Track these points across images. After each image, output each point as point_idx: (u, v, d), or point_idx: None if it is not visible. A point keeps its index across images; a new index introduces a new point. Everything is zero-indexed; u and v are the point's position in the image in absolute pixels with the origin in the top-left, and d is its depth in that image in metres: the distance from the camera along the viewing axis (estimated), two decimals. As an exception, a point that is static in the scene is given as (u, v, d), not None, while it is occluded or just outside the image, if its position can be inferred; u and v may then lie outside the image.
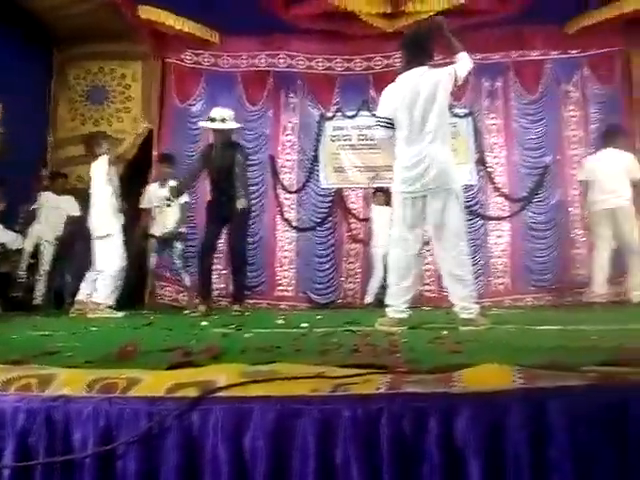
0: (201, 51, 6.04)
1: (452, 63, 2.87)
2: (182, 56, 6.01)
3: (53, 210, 5.38)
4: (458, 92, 2.96)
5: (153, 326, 3.00)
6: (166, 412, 1.04)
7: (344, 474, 1.07)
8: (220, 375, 1.09)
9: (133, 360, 1.37)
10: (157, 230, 5.17)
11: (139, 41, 5.77)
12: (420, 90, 2.72)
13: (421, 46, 2.89)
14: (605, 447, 1.11)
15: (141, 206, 5.34)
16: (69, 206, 5.42)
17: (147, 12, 5.38)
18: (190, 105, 5.95)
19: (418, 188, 2.72)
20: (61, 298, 5.46)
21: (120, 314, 4.31)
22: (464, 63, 2.83)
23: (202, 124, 4.71)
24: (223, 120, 4.26)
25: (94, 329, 2.73)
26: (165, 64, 5.99)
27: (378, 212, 5.50)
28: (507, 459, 1.07)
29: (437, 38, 3.00)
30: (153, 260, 5.29)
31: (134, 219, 5.32)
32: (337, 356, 1.56)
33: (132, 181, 4.98)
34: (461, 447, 1.08)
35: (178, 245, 5.15)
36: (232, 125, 4.31)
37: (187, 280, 5.20)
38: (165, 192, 4.91)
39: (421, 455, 1.07)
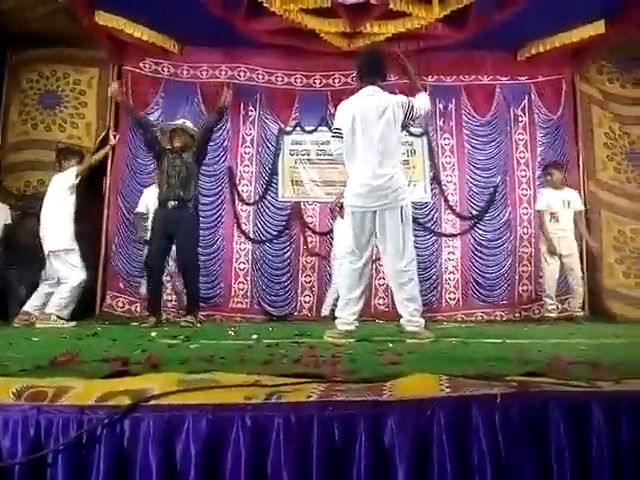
0: (160, 60, 6.00)
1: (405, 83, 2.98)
2: (140, 64, 5.96)
3: None
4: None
5: (98, 336, 2.94)
6: (96, 420, 1.04)
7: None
8: (154, 384, 1.10)
9: (69, 369, 1.36)
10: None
11: (96, 47, 5.69)
12: (367, 110, 2.82)
13: (375, 66, 2.98)
14: (523, 452, 1.17)
15: (137, 210, 5.26)
16: (2, 215, 5.18)
17: (105, 19, 5.30)
18: (147, 114, 5.88)
19: (367, 203, 2.80)
20: (6, 308, 5.25)
21: (70, 324, 4.22)
22: (423, 102, 2.93)
23: (162, 125, 4.67)
24: (184, 123, 4.39)
25: (35, 339, 2.65)
26: (122, 71, 5.92)
27: (341, 225, 5.56)
28: (432, 462, 1.12)
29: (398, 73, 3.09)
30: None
31: (89, 229, 5.24)
32: (279, 366, 1.58)
33: (84, 189, 4.86)
34: (389, 451, 1.12)
35: None
36: (192, 128, 4.38)
37: (144, 289, 5.11)
38: None
39: (350, 460, 1.11)
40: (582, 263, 5.47)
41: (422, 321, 2.80)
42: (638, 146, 5.99)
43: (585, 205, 5.56)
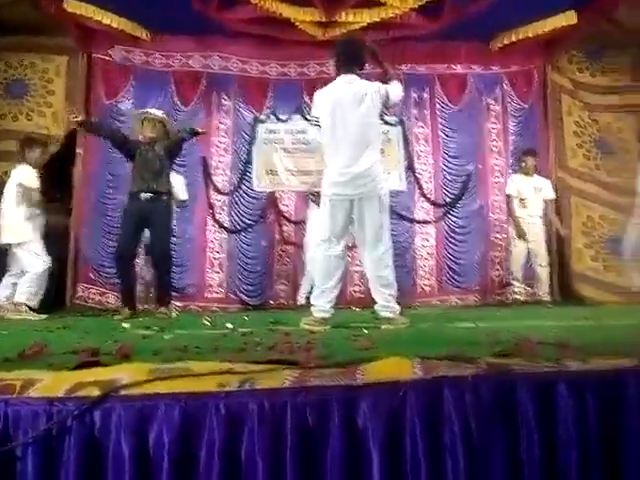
0: (131, 48, 5.86)
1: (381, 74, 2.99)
2: (110, 52, 5.81)
3: None
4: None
5: (69, 329, 2.88)
6: (66, 412, 1.02)
7: (249, 466, 1.09)
8: (124, 374, 1.09)
9: (37, 361, 1.33)
10: None
11: (64, 35, 5.52)
12: (345, 97, 2.81)
13: (353, 55, 2.97)
14: (494, 432, 1.20)
15: None
16: None
17: (73, 5, 5.13)
18: (118, 102, 5.76)
19: (345, 192, 2.79)
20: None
21: (41, 316, 4.16)
22: (397, 89, 2.94)
23: (135, 112, 4.58)
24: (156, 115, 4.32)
25: (4, 332, 2.59)
26: (92, 59, 5.77)
27: (316, 214, 5.55)
28: (405, 444, 1.14)
29: (370, 62, 3.11)
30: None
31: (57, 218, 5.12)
32: (253, 354, 1.58)
33: (52, 177, 4.76)
34: (362, 434, 1.13)
35: None
36: (166, 119, 4.35)
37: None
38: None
39: (324, 444, 1.12)
40: (551, 248, 5.59)
41: (397, 307, 2.83)
42: (606, 134, 6.12)
43: (556, 192, 5.67)
